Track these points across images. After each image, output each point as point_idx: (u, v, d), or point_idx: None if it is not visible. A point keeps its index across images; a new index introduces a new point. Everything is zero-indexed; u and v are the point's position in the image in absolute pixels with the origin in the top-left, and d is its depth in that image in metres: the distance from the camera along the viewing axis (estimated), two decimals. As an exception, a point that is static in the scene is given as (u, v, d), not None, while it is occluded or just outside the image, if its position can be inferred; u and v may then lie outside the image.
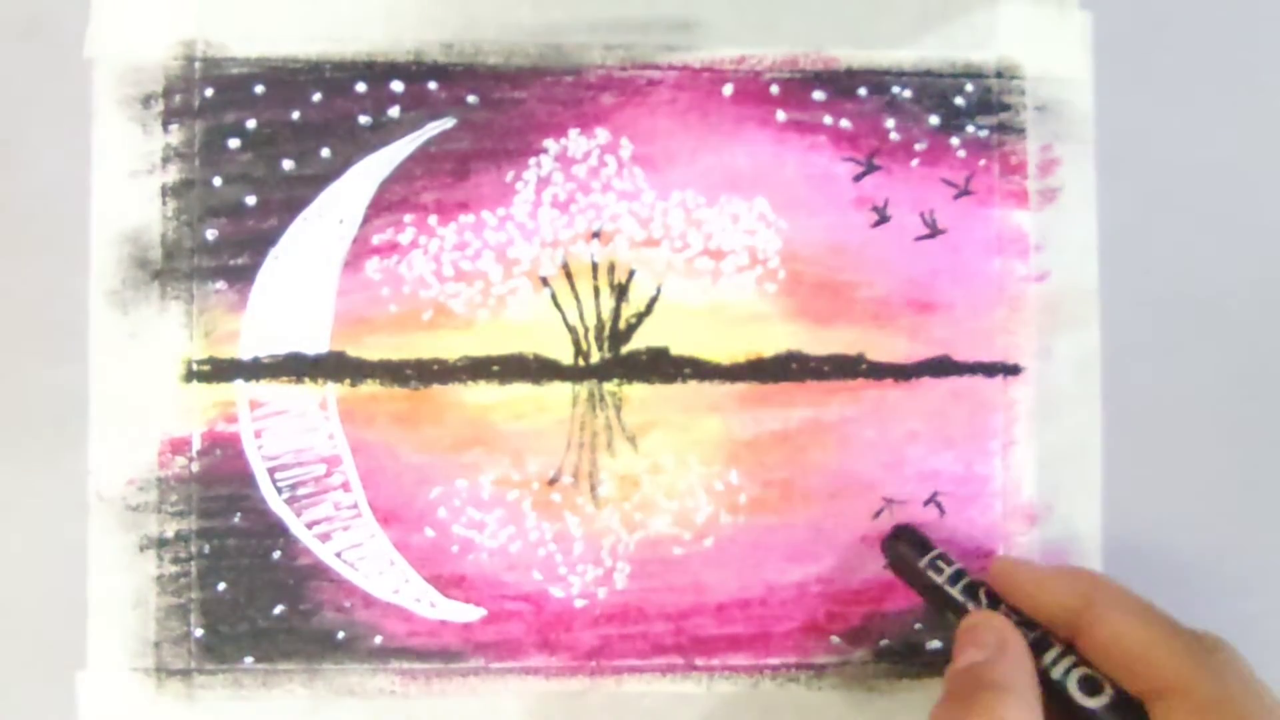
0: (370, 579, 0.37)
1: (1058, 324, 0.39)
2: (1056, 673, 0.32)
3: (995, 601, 0.34)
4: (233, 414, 0.37)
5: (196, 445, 0.37)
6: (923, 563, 0.36)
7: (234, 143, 0.38)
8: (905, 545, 0.36)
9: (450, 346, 0.38)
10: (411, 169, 0.38)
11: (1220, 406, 0.40)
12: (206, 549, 0.37)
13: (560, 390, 0.38)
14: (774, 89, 0.39)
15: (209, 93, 0.38)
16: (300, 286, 0.38)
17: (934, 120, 0.39)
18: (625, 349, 0.38)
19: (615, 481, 0.38)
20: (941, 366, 0.39)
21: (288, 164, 0.38)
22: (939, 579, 0.35)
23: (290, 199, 0.38)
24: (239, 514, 0.37)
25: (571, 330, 0.38)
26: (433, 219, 0.38)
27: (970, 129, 0.39)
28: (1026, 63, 0.39)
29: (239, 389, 0.37)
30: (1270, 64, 0.41)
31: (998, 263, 0.39)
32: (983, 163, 0.39)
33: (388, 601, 0.37)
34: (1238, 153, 0.40)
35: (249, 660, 0.37)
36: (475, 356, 0.38)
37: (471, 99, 0.38)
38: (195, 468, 0.37)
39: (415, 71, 0.38)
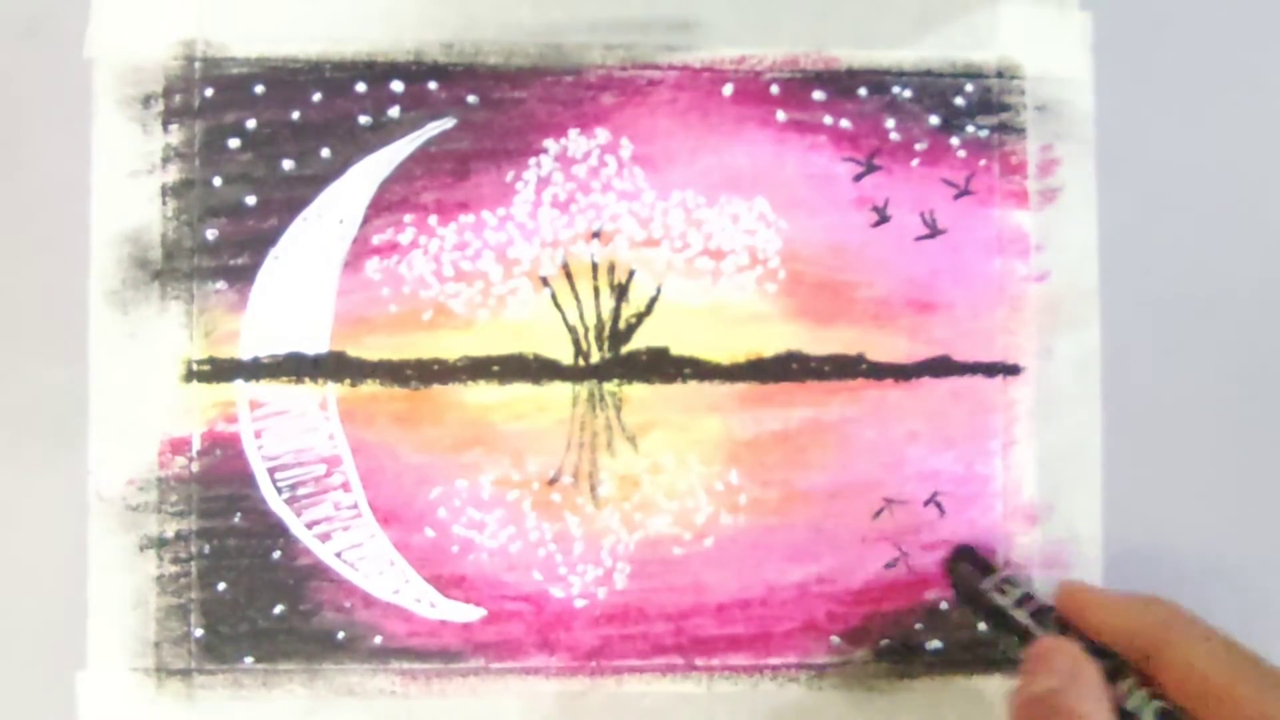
0: (370, 579, 0.37)
1: (1058, 324, 0.39)
2: (1131, 704, 0.30)
3: (1064, 627, 0.33)
4: (233, 414, 0.37)
5: (196, 445, 0.37)
6: (986, 584, 0.35)
7: (234, 143, 0.38)
8: (968, 566, 0.36)
9: (450, 346, 0.38)
10: (411, 169, 0.38)
11: (1220, 406, 0.40)
12: (206, 549, 0.37)
13: (560, 390, 0.38)
14: (774, 89, 0.39)
15: (209, 93, 0.38)
16: (300, 286, 0.38)
17: (934, 120, 0.39)
18: (625, 349, 0.38)
19: (615, 481, 0.38)
20: (941, 366, 0.39)
21: (288, 164, 0.38)
22: (1005, 602, 0.34)
23: (290, 199, 0.38)
24: (239, 514, 0.37)
25: (571, 330, 0.38)
26: (433, 219, 0.38)
27: (970, 129, 0.39)
28: (1026, 63, 0.39)
29: (239, 389, 0.37)
30: (1270, 64, 0.41)
31: (998, 263, 0.39)
32: (983, 163, 0.39)
33: (388, 602, 0.37)
34: (1238, 153, 0.40)
35: (249, 660, 0.37)
36: (475, 356, 0.38)
37: (471, 99, 0.38)
38: (195, 468, 0.37)
39: (415, 71, 0.38)
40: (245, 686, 0.37)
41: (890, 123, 0.39)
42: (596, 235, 0.38)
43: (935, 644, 0.38)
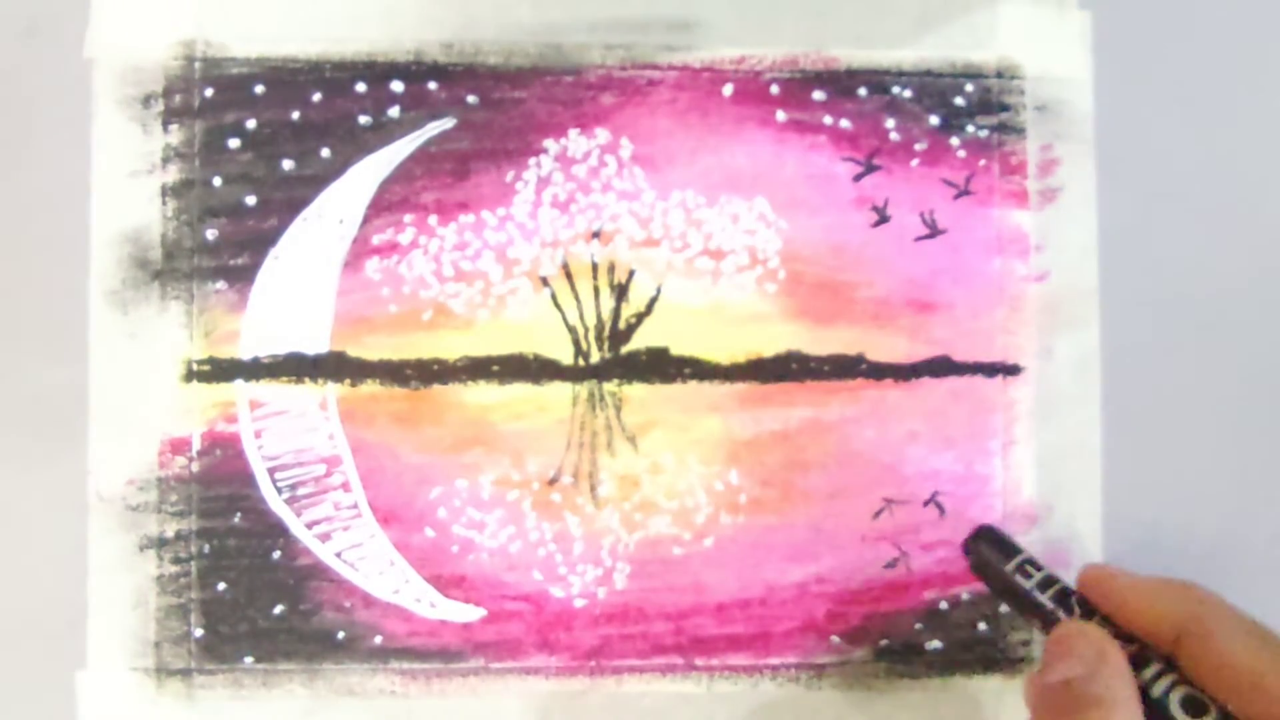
0: (370, 579, 0.37)
1: (1058, 324, 0.39)
2: (1157, 690, 0.29)
3: (1088, 611, 0.32)
4: (233, 414, 0.37)
5: (196, 445, 0.37)
6: (1009, 567, 0.33)
7: (234, 143, 0.38)
8: (989, 547, 0.34)
9: (450, 346, 0.38)
10: (411, 169, 0.38)
11: (1220, 406, 0.40)
12: (206, 549, 0.37)
13: (560, 390, 0.38)
14: (774, 89, 0.39)
15: (209, 93, 0.38)
16: (300, 286, 0.38)
17: (934, 120, 0.39)
18: (625, 349, 0.38)
19: (615, 481, 0.38)
20: (941, 366, 0.39)
21: (288, 164, 0.38)
22: (1027, 584, 0.33)
23: (290, 199, 0.38)
24: (239, 514, 0.37)
25: (571, 330, 0.38)
26: (433, 219, 0.38)
27: (970, 129, 0.39)
28: (1026, 63, 0.39)
29: (239, 389, 0.37)
30: (1270, 64, 0.41)
31: (998, 263, 0.39)
32: (983, 163, 0.39)
33: (388, 601, 0.37)
34: (1238, 153, 0.40)
35: (249, 660, 0.37)
36: (475, 356, 0.38)
37: (471, 99, 0.38)
38: (195, 468, 0.37)
39: (415, 71, 0.38)
40: (245, 686, 0.37)
41: (890, 123, 0.39)
42: (596, 235, 0.38)
43: (935, 644, 0.38)
